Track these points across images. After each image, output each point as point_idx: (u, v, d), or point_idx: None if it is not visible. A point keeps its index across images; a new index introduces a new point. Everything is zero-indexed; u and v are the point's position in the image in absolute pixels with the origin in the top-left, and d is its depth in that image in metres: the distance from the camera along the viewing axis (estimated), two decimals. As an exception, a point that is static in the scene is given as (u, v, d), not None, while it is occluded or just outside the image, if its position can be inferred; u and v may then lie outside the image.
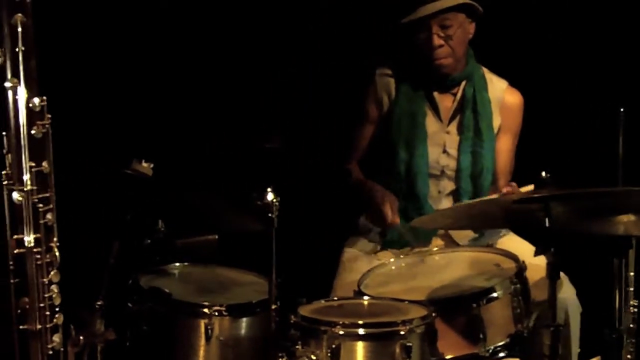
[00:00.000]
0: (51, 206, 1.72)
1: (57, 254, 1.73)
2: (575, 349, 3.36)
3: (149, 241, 3.12)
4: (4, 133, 1.68)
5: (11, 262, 1.70)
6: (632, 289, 2.92)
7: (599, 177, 2.84)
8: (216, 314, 2.87)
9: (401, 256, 3.38)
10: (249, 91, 4.17)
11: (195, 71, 4.12)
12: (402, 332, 2.61)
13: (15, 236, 1.69)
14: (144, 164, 2.87)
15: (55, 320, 1.74)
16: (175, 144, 4.02)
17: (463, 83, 3.59)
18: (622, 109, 3.00)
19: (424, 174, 3.54)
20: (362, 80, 3.72)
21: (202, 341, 2.85)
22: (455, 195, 3.60)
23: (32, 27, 1.65)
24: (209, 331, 2.84)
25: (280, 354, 2.65)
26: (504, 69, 3.71)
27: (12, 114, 1.66)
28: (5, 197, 1.69)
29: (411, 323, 2.64)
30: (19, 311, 1.71)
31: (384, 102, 3.62)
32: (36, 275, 1.70)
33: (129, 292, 3.01)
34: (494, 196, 3.31)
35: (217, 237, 3.21)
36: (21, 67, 1.65)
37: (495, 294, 2.91)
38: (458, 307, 2.90)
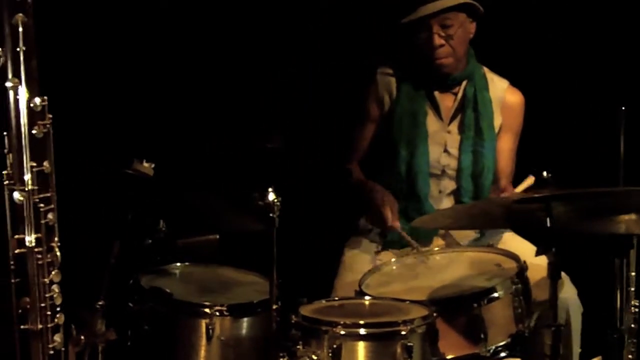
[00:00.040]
0: (52, 206, 1.72)
1: (58, 253, 1.73)
2: (577, 349, 3.37)
3: (150, 241, 3.12)
4: (5, 133, 1.68)
5: (12, 262, 1.70)
6: (633, 288, 2.92)
7: (600, 176, 2.84)
8: (217, 314, 2.87)
9: (402, 256, 3.38)
10: (250, 91, 4.17)
11: (196, 71, 4.12)
12: (403, 332, 2.61)
13: (16, 236, 1.69)
14: (145, 164, 2.87)
15: (56, 320, 1.74)
16: (176, 144, 4.01)
17: (464, 82, 3.58)
18: (623, 108, 3.00)
19: (425, 174, 3.54)
20: (363, 80, 3.71)
21: (203, 341, 2.85)
22: (456, 194, 3.59)
23: (33, 27, 1.65)
24: (210, 331, 2.84)
25: (281, 354, 2.65)
26: (505, 69, 3.71)
27: (13, 113, 1.66)
28: (7, 197, 1.69)
29: (412, 323, 2.64)
30: (20, 311, 1.71)
31: (385, 102, 3.62)
32: (37, 275, 1.70)
33: (130, 292, 3.01)
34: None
35: (218, 237, 3.21)
36: (22, 67, 1.65)
37: (496, 294, 2.91)
38: (459, 307, 2.90)
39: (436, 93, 3.58)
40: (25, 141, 1.67)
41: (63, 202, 1.76)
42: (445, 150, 3.57)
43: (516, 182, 3.54)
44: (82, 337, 2.32)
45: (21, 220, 1.69)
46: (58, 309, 1.74)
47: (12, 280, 1.70)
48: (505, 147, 3.66)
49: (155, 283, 3.04)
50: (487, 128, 3.56)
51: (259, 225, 2.66)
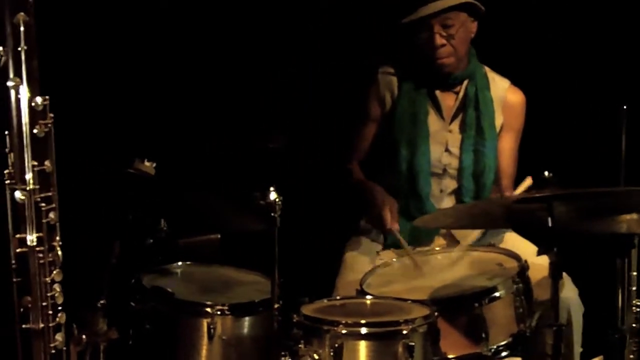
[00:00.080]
0: (53, 205, 1.72)
1: (59, 253, 1.73)
2: (578, 349, 3.36)
3: (151, 240, 3.12)
4: (6, 132, 1.68)
5: (14, 261, 1.70)
6: (634, 288, 2.92)
7: (601, 176, 2.84)
8: (219, 313, 2.87)
9: (403, 256, 3.38)
10: (251, 91, 4.17)
11: (197, 71, 4.12)
12: (404, 332, 2.61)
13: (17, 235, 1.69)
14: (147, 164, 2.87)
15: (57, 319, 1.74)
16: (177, 143, 4.02)
17: (465, 82, 3.58)
18: (624, 107, 3.00)
19: (426, 173, 3.54)
20: (364, 80, 3.71)
21: (205, 340, 2.85)
22: (458, 194, 3.59)
23: (35, 26, 1.65)
24: (212, 330, 2.84)
25: (282, 353, 2.65)
26: (506, 68, 3.71)
27: (14, 113, 1.66)
28: (8, 196, 1.69)
29: (414, 322, 2.64)
30: (21, 310, 1.71)
31: (386, 101, 3.62)
32: (39, 274, 1.70)
33: (132, 291, 3.01)
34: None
35: (219, 236, 3.21)
36: (23, 67, 1.65)
37: (497, 294, 2.91)
38: (460, 307, 2.90)
39: (437, 92, 3.59)
40: (26, 140, 1.67)
41: (64, 202, 1.76)
42: (447, 150, 3.57)
43: (517, 182, 3.53)
44: (84, 337, 2.32)
45: (22, 220, 1.69)
46: (59, 308, 1.74)
47: (14, 280, 1.70)
48: (507, 147, 3.66)
49: (157, 282, 3.04)
50: (489, 127, 3.56)
51: (260, 224, 2.66)
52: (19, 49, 1.63)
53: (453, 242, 3.52)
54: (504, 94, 3.64)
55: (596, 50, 4.19)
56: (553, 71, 4.22)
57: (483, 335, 2.86)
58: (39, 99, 1.67)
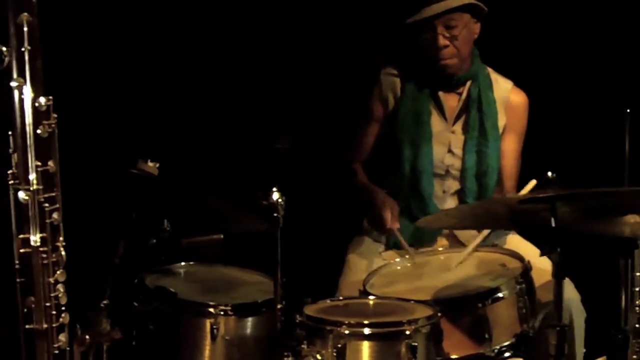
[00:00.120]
0: (57, 206, 1.72)
1: (63, 253, 1.73)
2: (580, 350, 3.36)
3: (154, 241, 3.12)
4: (10, 132, 1.68)
5: (17, 262, 1.70)
6: (637, 289, 2.92)
7: (604, 177, 2.84)
8: (222, 313, 2.87)
9: (406, 256, 3.38)
10: (255, 91, 4.17)
11: (201, 71, 4.12)
12: (407, 332, 2.61)
13: (21, 235, 1.69)
14: (150, 164, 2.88)
15: (61, 319, 1.74)
16: (181, 143, 4.02)
17: (468, 83, 3.58)
18: (628, 110, 3.00)
19: (429, 173, 3.54)
20: (367, 80, 3.72)
21: (208, 340, 2.85)
22: (460, 195, 3.59)
23: (38, 27, 1.65)
24: (215, 331, 2.84)
25: (285, 354, 2.65)
26: (509, 69, 3.71)
27: (18, 113, 1.66)
28: (12, 196, 1.69)
29: (417, 323, 2.64)
30: (25, 310, 1.71)
31: (389, 102, 3.63)
32: (42, 274, 1.70)
33: (135, 291, 3.01)
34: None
35: (222, 236, 3.21)
36: (27, 67, 1.65)
37: (500, 294, 2.91)
38: (463, 307, 2.91)
39: (440, 93, 3.59)
40: (30, 141, 1.67)
41: (68, 202, 1.76)
42: (449, 151, 3.57)
43: (520, 183, 3.53)
44: (87, 337, 2.32)
45: (26, 220, 1.69)
46: (63, 308, 1.74)
47: (17, 280, 1.71)
48: (510, 148, 3.65)
49: (160, 282, 3.04)
50: (491, 128, 3.56)
51: (263, 224, 2.66)
52: (23, 49, 1.63)
53: (456, 242, 3.52)
54: (507, 95, 3.64)
55: (600, 53, 4.19)
56: (557, 73, 4.21)
57: (486, 335, 2.86)
58: (42, 99, 1.67)
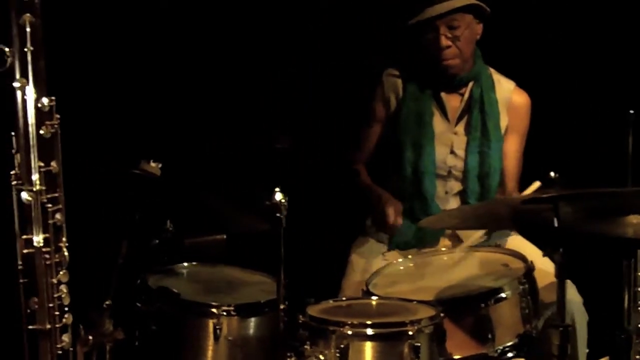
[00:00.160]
0: (60, 206, 1.72)
1: (66, 254, 1.73)
2: (583, 350, 3.35)
3: (157, 241, 3.12)
4: (12, 133, 1.68)
5: (20, 262, 1.70)
6: (640, 289, 2.92)
7: (607, 177, 2.83)
8: (224, 313, 2.87)
9: (409, 256, 3.38)
10: (257, 92, 4.18)
11: (203, 71, 4.12)
12: (410, 332, 2.60)
13: (24, 236, 1.69)
14: (152, 164, 2.88)
15: (64, 320, 1.74)
16: (183, 144, 4.02)
17: (470, 83, 3.58)
18: (631, 111, 3.00)
19: (431, 174, 3.53)
20: (369, 81, 3.71)
21: (211, 341, 2.85)
22: (463, 195, 3.59)
23: (41, 27, 1.65)
24: (218, 331, 2.84)
25: (288, 354, 2.65)
26: (512, 70, 3.70)
27: (21, 114, 1.67)
28: (14, 197, 1.69)
29: (419, 323, 2.64)
30: (28, 311, 1.71)
31: (391, 103, 3.62)
32: (45, 275, 1.70)
33: (138, 291, 3.01)
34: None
35: (225, 237, 3.22)
36: (30, 67, 1.65)
37: (503, 294, 2.91)
38: (466, 307, 2.90)
39: (442, 94, 3.58)
40: (33, 141, 1.67)
41: (71, 202, 1.76)
42: (452, 152, 3.57)
43: (523, 184, 3.53)
44: (90, 337, 2.33)
45: (29, 221, 1.69)
46: (66, 309, 1.74)
47: (20, 281, 1.71)
48: (512, 149, 3.65)
49: (163, 283, 3.04)
50: (494, 129, 3.56)
51: (266, 225, 2.66)
52: (25, 49, 1.64)
53: (458, 243, 3.52)
54: (509, 96, 3.63)
55: (603, 53, 4.18)
56: (559, 73, 4.21)
57: (489, 335, 2.86)
58: (45, 100, 1.67)
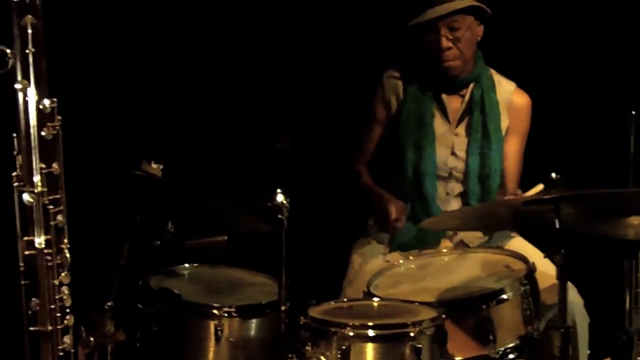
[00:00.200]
0: (61, 208, 1.72)
1: (67, 255, 1.73)
2: (584, 352, 3.35)
3: (158, 242, 3.13)
4: (14, 134, 1.68)
5: (22, 264, 1.70)
6: (642, 290, 2.92)
7: (609, 179, 2.83)
8: (226, 315, 2.87)
9: (410, 257, 3.38)
10: (258, 92, 4.18)
11: (203, 72, 4.12)
12: (412, 334, 2.60)
13: (25, 238, 1.69)
14: (154, 165, 2.88)
15: (65, 321, 1.74)
16: (184, 145, 4.02)
17: (471, 85, 3.58)
18: (633, 112, 2.99)
19: (432, 176, 3.53)
20: (370, 81, 3.71)
21: (212, 342, 2.85)
22: (464, 197, 3.59)
23: (42, 29, 1.65)
24: (219, 332, 2.84)
25: (290, 355, 2.65)
26: (513, 71, 3.70)
27: (22, 115, 1.66)
28: (16, 198, 1.69)
29: (421, 325, 2.63)
30: (29, 312, 1.71)
31: (392, 104, 3.62)
32: (47, 276, 1.70)
33: (139, 293, 3.01)
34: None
35: (226, 238, 3.22)
36: (31, 69, 1.64)
37: (505, 296, 2.90)
38: (468, 309, 2.90)
39: (443, 95, 3.58)
40: (34, 143, 1.67)
41: (72, 204, 1.76)
42: (453, 153, 3.56)
43: (524, 185, 3.53)
44: (92, 339, 2.32)
45: (31, 222, 1.68)
46: (68, 310, 1.74)
47: (22, 282, 1.71)
48: (512, 150, 3.65)
49: (164, 284, 3.04)
50: (494, 130, 3.56)
51: (267, 226, 2.66)
52: (27, 51, 1.63)
53: (460, 244, 3.52)
54: (510, 97, 3.63)
55: (604, 53, 4.18)
56: (560, 74, 4.21)
57: (491, 337, 2.86)
58: (46, 102, 1.67)
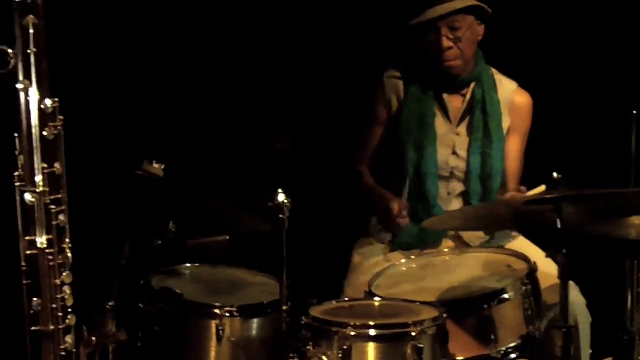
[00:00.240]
0: (63, 207, 1.72)
1: (69, 255, 1.73)
2: (586, 351, 3.35)
3: (160, 242, 3.12)
4: (16, 135, 1.68)
5: (24, 264, 1.70)
6: (644, 290, 2.92)
7: (610, 178, 2.83)
8: (227, 314, 2.87)
9: (412, 257, 3.38)
10: (258, 92, 4.18)
11: (204, 72, 4.12)
12: (413, 334, 2.60)
13: (27, 237, 1.69)
14: (155, 165, 2.88)
15: (67, 321, 1.74)
16: (186, 145, 4.02)
17: (472, 84, 3.58)
18: (634, 112, 2.99)
19: (434, 175, 3.53)
20: (371, 81, 3.71)
21: (214, 342, 2.85)
22: (465, 196, 3.59)
23: (44, 29, 1.65)
24: (220, 332, 2.84)
25: (291, 355, 2.64)
26: (514, 71, 3.70)
27: (24, 115, 1.66)
28: (18, 198, 1.69)
29: (422, 324, 2.63)
30: (31, 312, 1.71)
31: (392, 104, 3.62)
32: (48, 276, 1.70)
33: (141, 292, 3.01)
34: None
35: (227, 238, 3.22)
36: (33, 69, 1.65)
37: (506, 295, 2.90)
38: (469, 309, 2.90)
39: (444, 95, 3.58)
40: (36, 143, 1.67)
41: (74, 204, 1.76)
42: (454, 153, 3.57)
43: (526, 185, 3.52)
44: (93, 338, 2.33)
45: (32, 222, 1.69)
46: (69, 310, 1.74)
47: (24, 282, 1.71)
48: (514, 149, 3.65)
49: (166, 284, 3.04)
50: (496, 130, 3.56)
51: (268, 226, 2.66)
52: (29, 51, 1.64)
53: (461, 244, 3.52)
54: (511, 96, 3.63)
55: (606, 53, 4.18)
56: (562, 73, 4.21)
57: (492, 337, 2.86)
58: (48, 102, 1.67)
